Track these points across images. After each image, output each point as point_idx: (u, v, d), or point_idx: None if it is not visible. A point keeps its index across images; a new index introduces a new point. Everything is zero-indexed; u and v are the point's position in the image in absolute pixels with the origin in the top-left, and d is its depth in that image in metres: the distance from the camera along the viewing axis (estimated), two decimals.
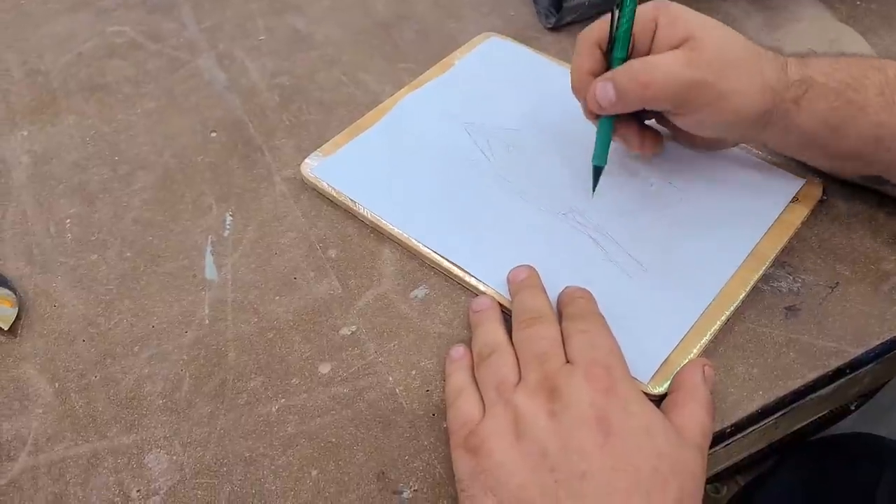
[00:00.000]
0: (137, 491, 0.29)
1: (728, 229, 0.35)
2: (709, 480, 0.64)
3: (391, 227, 0.36)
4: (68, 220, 0.38)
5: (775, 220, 0.35)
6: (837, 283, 0.34)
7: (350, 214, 0.38)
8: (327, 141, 0.40)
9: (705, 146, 0.37)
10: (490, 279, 0.34)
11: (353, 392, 0.31)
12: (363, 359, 0.32)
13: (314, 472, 0.29)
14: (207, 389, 0.31)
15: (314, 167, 0.39)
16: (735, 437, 0.30)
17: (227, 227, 0.38)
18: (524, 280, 0.32)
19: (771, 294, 0.34)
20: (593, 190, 0.35)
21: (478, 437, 0.26)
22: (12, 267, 0.36)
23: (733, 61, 0.31)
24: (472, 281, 0.34)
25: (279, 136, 0.42)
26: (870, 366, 0.32)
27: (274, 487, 0.28)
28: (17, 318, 0.34)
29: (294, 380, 0.32)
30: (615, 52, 0.33)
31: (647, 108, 0.33)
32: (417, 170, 0.39)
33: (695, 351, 0.31)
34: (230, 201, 0.39)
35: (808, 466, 0.48)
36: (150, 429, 0.30)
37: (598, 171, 0.35)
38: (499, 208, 0.37)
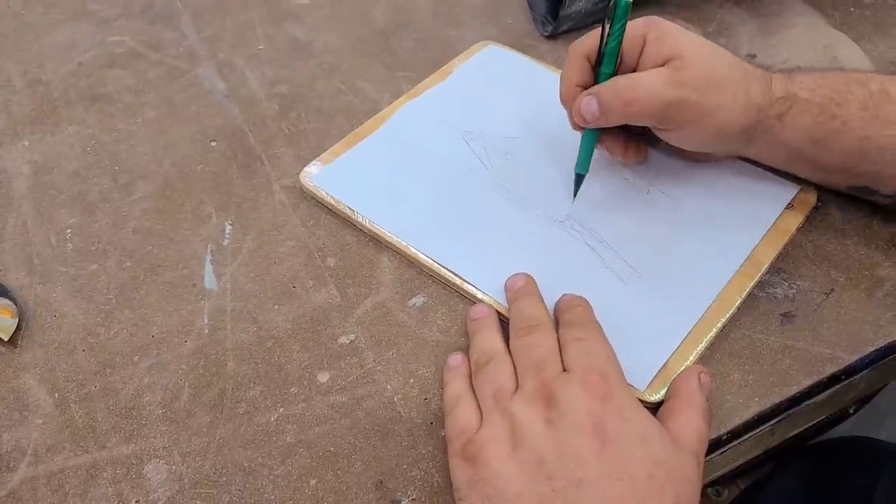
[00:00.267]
0: (136, 501, 0.29)
1: (724, 236, 0.35)
2: (709, 484, 0.64)
3: (389, 235, 0.36)
4: (69, 230, 0.38)
5: (770, 227, 0.36)
6: (832, 289, 0.34)
7: (349, 223, 0.38)
8: (326, 149, 0.41)
9: (694, 158, 0.37)
10: (488, 287, 0.34)
11: (351, 401, 0.31)
12: (362, 367, 0.32)
13: (313, 482, 0.29)
14: (206, 399, 0.32)
15: (313, 176, 0.39)
16: (731, 444, 0.31)
17: (227, 236, 0.38)
18: (521, 288, 0.32)
19: (766, 300, 0.34)
20: (574, 196, 0.37)
21: (475, 446, 0.26)
22: (13, 277, 0.36)
23: (718, 80, 0.32)
24: (470, 289, 0.34)
25: (278, 145, 0.42)
26: (865, 372, 0.32)
27: (273, 497, 0.29)
28: (18, 328, 0.34)
29: (293, 389, 0.32)
30: (602, 66, 0.33)
31: (631, 123, 0.33)
32: (416, 178, 0.39)
33: (691, 358, 0.31)
34: (230, 210, 0.39)
35: (807, 470, 0.48)
36: (149, 439, 0.30)
37: (579, 179, 0.36)
38: (496, 216, 0.37)
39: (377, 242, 0.37)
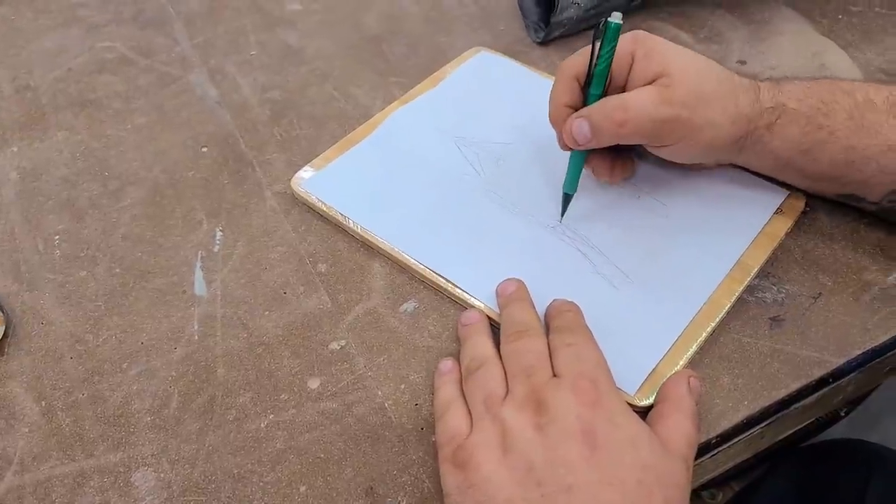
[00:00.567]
0: None
1: (713, 241, 0.36)
2: (704, 487, 0.64)
3: (381, 241, 0.36)
4: (57, 237, 0.38)
5: (760, 232, 0.36)
6: (820, 293, 0.34)
7: (340, 229, 0.38)
8: (318, 155, 0.41)
9: (684, 167, 0.38)
10: (479, 292, 0.34)
11: (342, 407, 0.31)
12: (352, 373, 0.32)
13: (303, 488, 0.29)
14: (196, 406, 0.31)
15: (305, 181, 0.39)
16: (721, 448, 0.31)
17: (217, 242, 0.38)
18: (512, 293, 0.32)
19: (755, 305, 0.34)
20: (562, 215, 0.37)
21: (465, 452, 0.26)
22: (0, 284, 0.36)
23: (707, 95, 0.32)
24: (461, 294, 0.34)
25: (270, 151, 0.42)
26: (852, 375, 0.32)
27: None
28: (4, 335, 0.34)
29: (283, 395, 0.32)
30: (592, 88, 0.33)
31: (623, 143, 0.34)
32: (407, 183, 0.39)
33: (681, 362, 0.31)
34: (220, 216, 0.39)
35: (799, 472, 0.49)
36: (137, 446, 0.30)
37: (567, 198, 0.36)
38: (488, 222, 0.37)
39: (368, 248, 0.37)
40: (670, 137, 0.33)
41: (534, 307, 0.32)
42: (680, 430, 0.27)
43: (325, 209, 0.38)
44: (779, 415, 0.31)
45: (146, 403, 0.31)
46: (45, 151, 0.43)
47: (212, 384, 0.32)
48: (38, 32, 0.51)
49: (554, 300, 0.32)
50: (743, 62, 0.47)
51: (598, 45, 0.32)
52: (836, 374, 0.32)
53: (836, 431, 0.62)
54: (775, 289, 0.35)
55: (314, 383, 0.32)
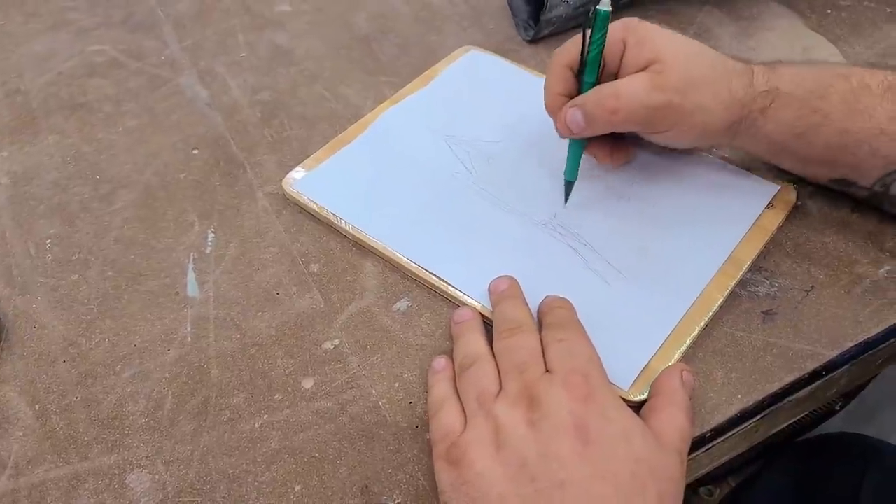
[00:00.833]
0: None
1: (705, 236, 0.36)
2: (701, 483, 0.64)
3: (373, 240, 0.36)
4: (48, 241, 0.38)
5: (751, 226, 0.36)
6: (812, 286, 0.34)
7: (332, 229, 0.38)
8: (309, 156, 0.41)
9: (677, 158, 0.38)
10: (472, 290, 0.34)
11: (336, 406, 0.31)
12: (346, 373, 0.32)
13: (298, 488, 0.29)
14: (190, 407, 0.31)
15: (296, 182, 0.39)
16: (716, 441, 0.31)
17: (210, 243, 0.38)
18: (505, 291, 0.32)
19: (748, 298, 0.34)
20: (565, 202, 0.37)
21: (459, 449, 0.26)
22: None
23: (699, 80, 0.32)
24: (454, 292, 0.34)
25: (261, 152, 0.42)
26: (845, 367, 0.32)
27: None
28: None
29: (277, 395, 0.32)
30: (585, 76, 0.33)
31: (617, 130, 0.34)
32: (399, 183, 0.39)
33: (674, 357, 0.31)
34: (212, 218, 0.39)
35: (795, 467, 0.49)
36: (131, 448, 0.30)
37: (569, 185, 0.37)
38: (480, 220, 0.37)
39: (361, 248, 0.37)
40: (663, 124, 0.33)
41: (526, 304, 0.32)
42: (673, 423, 0.27)
43: (316, 209, 0.38)
44: (772, 408, 0.31)
45: (140, 405, 0.31)
46: (36, 155, 0.43)
47: (205, 385, 0.32)
48: (27, 36, 0.51)
49: (546, 297, 0.32)
50: None
51: (588, 33, 0.32)
52: (829, 367, 0.32)
53: (833, 426, 0.63)
54: (767, 283, 0.35)
55: (308, 383, 0.32)
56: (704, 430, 0.30)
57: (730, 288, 0.34)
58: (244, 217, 0.39)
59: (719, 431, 0.30)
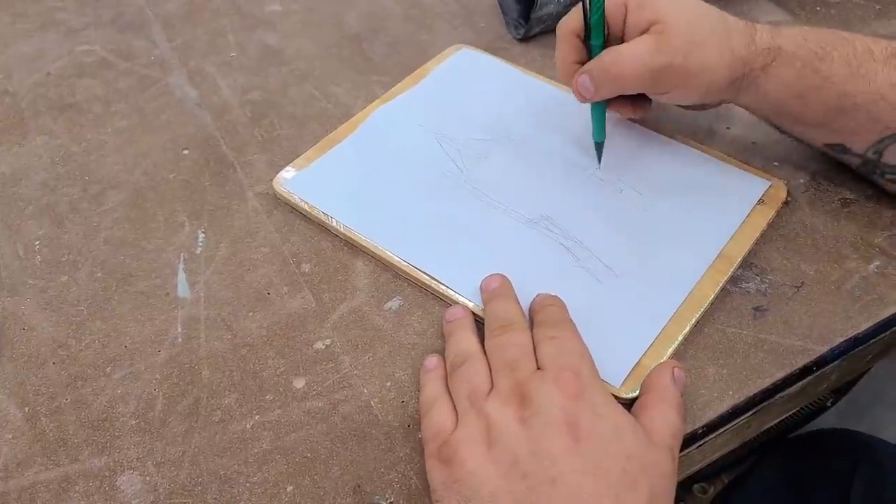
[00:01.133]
0: None
1: (696, 232, 0.36)
2: (695, 480, 0.64)
3: (364, 239, 0.36)
4: (37, 242, 0.38)
5: (742, 223, 0.36)
6: (803, 282, 0.35)
7: (323, 228, 0.38)
8: (300, 155, 0.40)
9: (671, 155, 0.38)
10: (463, 289, 0.34)
11: (328, 406, 0.31)
12: (338, 372, 0.32)
13: (290, 488, 0.29)
14: (181, 408, 0.31)
15: (287, 182, 0.39)
16: (708, 438, 0.31)
17: (200, 244, 0.37)
18: (496, 289, 0.32)
19: (739, 295, 0.34)
20: (599, 162, 0.39)
21: (450, 447, 0.26)
22: None
23: (701, 40, 0.33)
24: (446, 291, 0.34)
25: (251, 152, 0.42)
26: (836, 363, 0.32)
27: None
28: None
29: (268, 396, 0.31)
30: (592, 39, 0.34)
31: (625, 93, 0.35)
32: (390, 182, 0.39)
33: (666, 354, 0.31)
34: (203, 218, 0.39)
35: (787, 463, 0.49)
36: (122, 450, 0.30)
37: (599, 146, 0.38)
38: (471, 218, 0.37)
39: (352, 247, 0.37)
40: (668, 84, 0.33)
41: (518, 302, 0.32)
42: (664, 420, 0.27)
43: (307, 209, 0.38)
44: (764, 404, 0.31)
45: (130, 407, 0.31)
46: (25, 156, 0.42)
47: (196, 386, 0.32)
48: (15, 37, 0.51)
49: (538, 294, 0.32)
50: None
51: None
52: (820, 363, 0.32)
53: (825, 422, 0.63)
54: (758, 279, 0.35)
55: (300, 383, 0.32)
56: (696, 427, 0.30)
57: (721, 284, 0.34)
58: (234, 217, 0.39)
59: (711, 428, 0.31)
